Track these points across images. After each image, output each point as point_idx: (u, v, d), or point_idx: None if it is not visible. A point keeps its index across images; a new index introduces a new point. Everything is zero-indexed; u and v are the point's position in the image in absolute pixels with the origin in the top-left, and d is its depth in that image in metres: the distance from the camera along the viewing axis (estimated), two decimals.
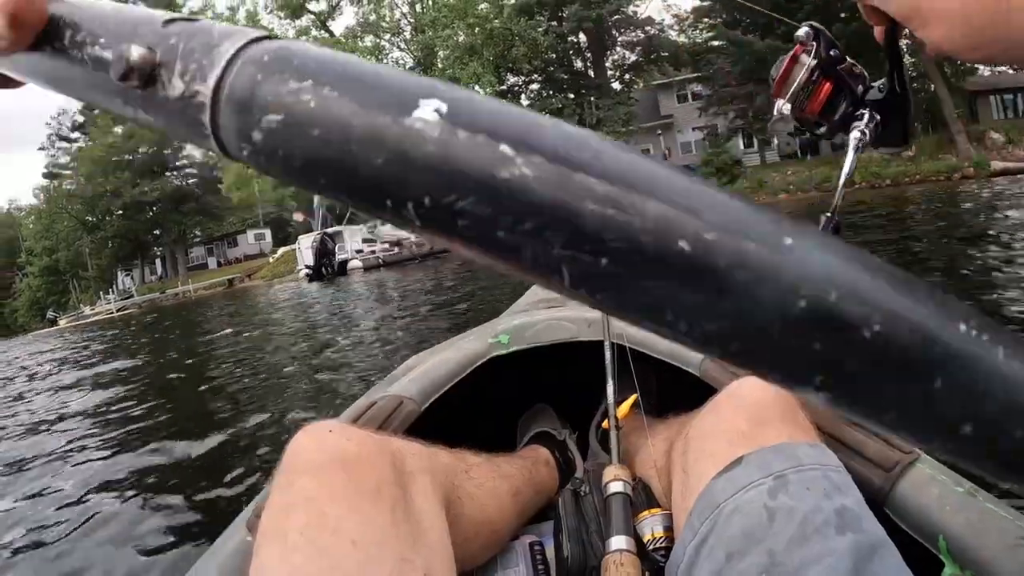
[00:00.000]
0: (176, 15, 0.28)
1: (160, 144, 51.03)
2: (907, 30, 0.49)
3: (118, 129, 51.27)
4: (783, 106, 0.73)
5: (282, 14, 40.09)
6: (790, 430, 0.82)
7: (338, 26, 42.58)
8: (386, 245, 26.87)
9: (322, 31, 40.83)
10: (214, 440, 4.34)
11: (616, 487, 1.03)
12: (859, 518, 0.72)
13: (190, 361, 9.09)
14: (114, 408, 6.37)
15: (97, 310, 47.76)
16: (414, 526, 0.74)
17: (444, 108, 0.20)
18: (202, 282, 46.80)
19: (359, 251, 26.80)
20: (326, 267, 26.07)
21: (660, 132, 40.92)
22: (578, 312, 1.50)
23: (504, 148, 0.20)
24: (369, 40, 40.74)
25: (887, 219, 12.40)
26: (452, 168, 0.20)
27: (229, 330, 12.27)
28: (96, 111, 56.69)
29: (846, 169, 0.73)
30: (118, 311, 43.37)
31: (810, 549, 0.69)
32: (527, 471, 1.19)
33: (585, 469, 1.32)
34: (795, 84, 0.72)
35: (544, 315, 1.52)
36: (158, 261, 59.59)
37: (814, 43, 0.71)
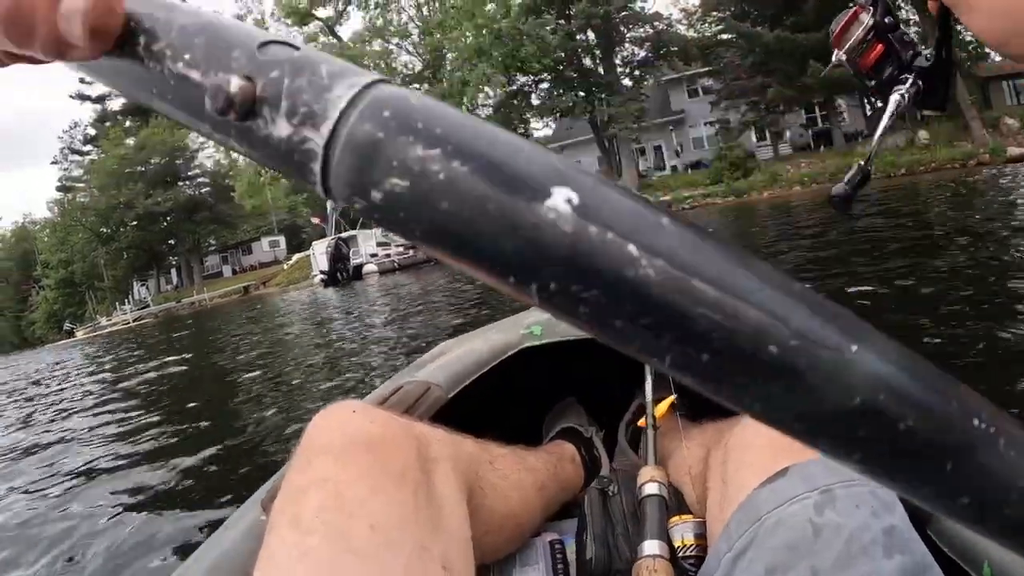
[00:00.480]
0: (271, 38, 0.27)
1: (171, 154, 51.35)
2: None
3: (130, 141, 51.72)
4: (840, 55, 0.79)
5: (289, 21, 40.21)
6: None
7: (345, 31, 42.64)
8: (401, 248, 26.82)
9: (330, 37, 40.89)
10: (232, 444, 4.36)
11: (652, 489, 1.00)
12: (907, 540, 0.69)
13: (208, 368, 9.10)
14: (131, 417, 6.39)
15: (113, 321, 48.06)
16: (435, 512, 0.72)
17: (576, 199, 0.21)
18: (217, 290, 47.02)
19: (374, 255, 26.79)
20: (341, 272, 26.08)
21: (672, 128, 40.74)
22: None
23: (631, 249, 0.21)
24: (377, 44, 40.81)
25: (902, 211, 12.28)
26: (581, 263, 0.21)
27: (246, 337, 12.27)
28: (108, 123, 57.46)
29: (883, 123, 0.77)
30: (134, 321, 43.63)
31: (856, 570, 0.66)
32: (552, 466, 1.17)
33: (613, 468, 1.30)
34: (852, 39, 0.77)
35: None
36: (173, 271, 59.92)
37: (872, 7, 0.77)
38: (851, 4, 0.79)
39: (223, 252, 59.63)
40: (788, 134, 37.23)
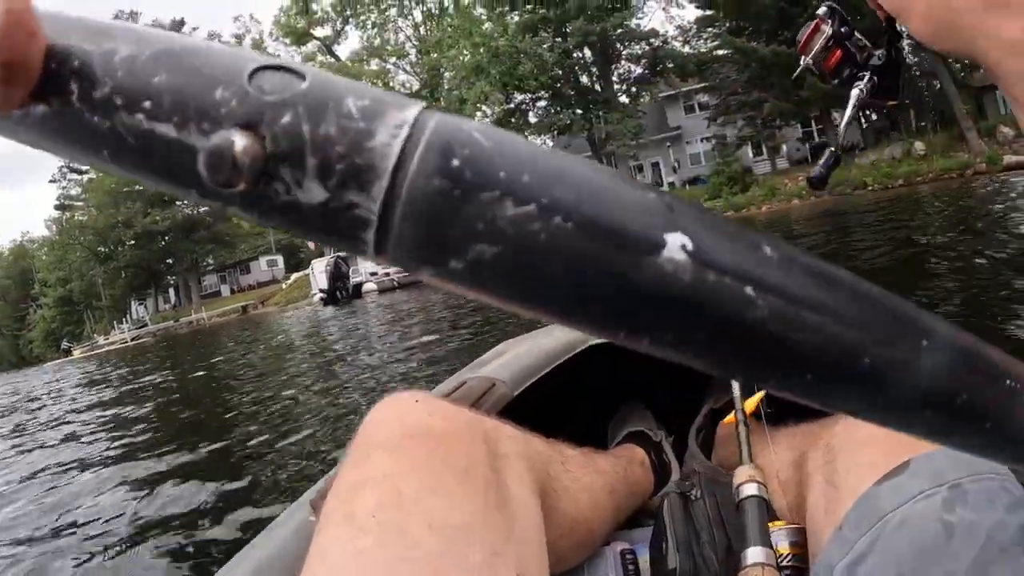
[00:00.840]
0: (262, 62, 0.20)
1: None
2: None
3: None
4: (807, 60, 0.90)
5: (287, 40, 40.44)
6: None
7: (343, 50, 42.84)
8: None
9: (328, 56, 41.10)
10: (241, 469, 4.32)
11: (751, 489, 0.91)
12: None
13: (208, 388, 9.07)
14: (131, 439, 6.39)
15: (111, 340, 48.02)
16: (508, 516, 0.66)
17: (690, 244, 0.20)
18: (216, 310, 47.02)
19: (373, 273, 26.81)
20: (340, 291, 26.08)
21: (669, 144, 40.94)
22: None
23: (748, 291, 0.20)
24: (375, 64, 41.03)
25: (899, 220, 12.39)
26: (700, 311, 0.20)
27: (246, 356, 12.25)
28: None
29: (848, 113, 0.87)
30: (132, 340, 43.59)
31: (998, 573, 0.60)
32: (622, 469, 1.12)
33: (693, 470, 1.20)
34: (815, 47, 0.89)
35: None
36: (171, 290, 59.95)
37: (830, 19, 0.88)
38: (815, 16, 0.91)
39: (221, 271, 59.69)
40: (785, 148, 37.41)
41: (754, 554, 0.82)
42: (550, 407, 1.23)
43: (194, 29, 57.69)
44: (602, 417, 1.47)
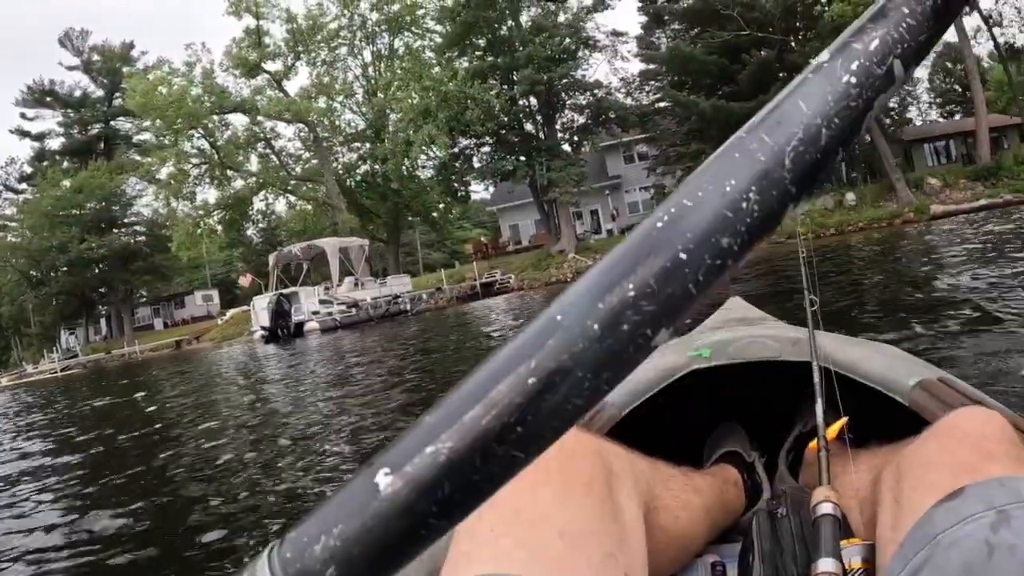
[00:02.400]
0: None
1: (109, 200, 50.32)
2: None
3: (67, 182, 50.44)
4: None
5: (237, 72, 40.30)
6: (1015, 464, 0.79)
7: (293, 86, 42.89)
8: (343, 307, 26.84)
9: (277, 91, 41.13)
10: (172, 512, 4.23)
11: (826, 508, 0.96)
12: None
13: (139, 428, 8.76)
14: (53, 474, 6.23)
15: (40, 369, 46.40)
16: (620, 526, 0.76)
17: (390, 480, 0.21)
18: (149, 343, 45.88)
19: (315, 312, 26.67)
20: (282, 328, 25.89)
21: (608, 192, 42.09)
22: (781, 331, 1.51)
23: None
24: (323, 101, 41.16)
25: (829, 265, 13.23)
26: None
27: (182, 393, 12.08)
28: (46, 162, 56.13)
29: None
30: (62, 371, 42.25)
31: None
32: (718, 489, 1.19)
33: (779, 492, 1.28)
34: None
35: (746, 331, 1.52)
36: (103, 320, 58.05)
37: None
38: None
39: (155, 304, 58.19)
40: None
41: (824, 564, 0.88)
42: (653, 426, 1.32)
43: (143, 53, 57.23)
44: (700, 435, 1.54)
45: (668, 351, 1.45)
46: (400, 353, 12.21)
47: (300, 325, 25.94)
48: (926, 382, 1.21)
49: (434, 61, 38.21)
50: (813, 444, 1.14)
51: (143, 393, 13.30)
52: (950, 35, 33.10)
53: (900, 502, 0.84)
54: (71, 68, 57.26)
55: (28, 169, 59.23)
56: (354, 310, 26.75)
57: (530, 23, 35.77)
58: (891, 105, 36.85)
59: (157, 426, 8.08)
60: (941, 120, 52.96)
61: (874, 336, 5.01)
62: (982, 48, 42.11)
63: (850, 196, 30.28)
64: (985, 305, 5.81)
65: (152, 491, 4.73)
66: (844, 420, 1.13)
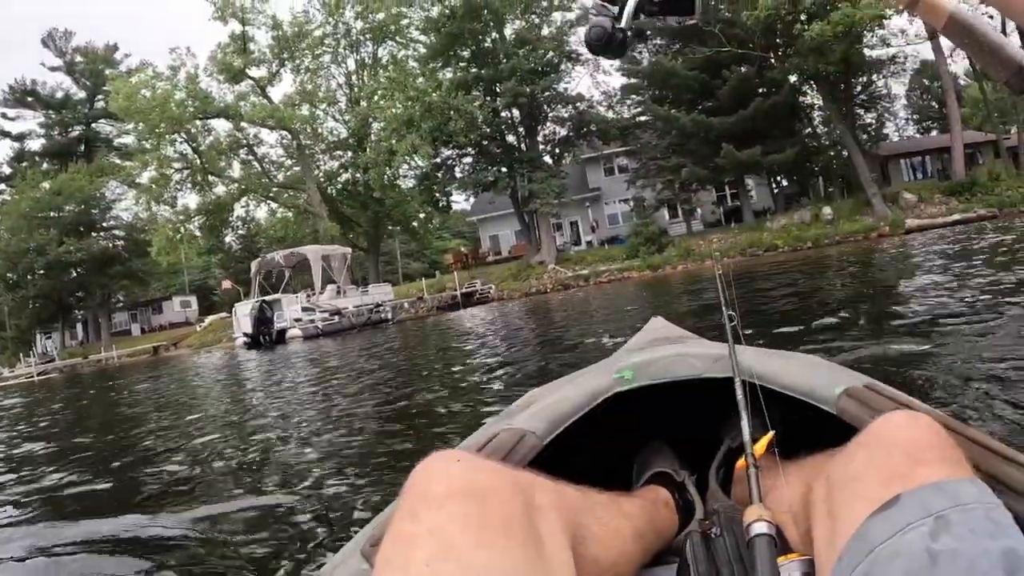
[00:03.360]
0: None
1: (88, 203, 50.00)
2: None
3: (46, 184, 50.03)
4: None
5: (222, 78, 40.30)
6: (947, 467, 0.77)
7: (276, 92, 42.88)
8: (326, 314, 26.94)
9: (261, 97, 41.17)
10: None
11: (760, 528, 0.95)
12: None
13: (121, 433, 8.68)
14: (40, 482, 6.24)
15: (16, 373, 45.94)
16: (544, 564, 0.73)
17: None
18: (126, 349, 45.54)
19: (298, 319, 26.73)
20: (265, 335, 25.93)
21: (588, 204, 42.54)
22: (703, 348, 1.50)
23: None
24: (306, 109, 41.25)
25: (804, 276, 13.54)
26: None
27: (163, 398, 11.97)
28: (25, 163, 55.62)
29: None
30: (39, 375, 41.89)
31: None
32: (648, 512, 1.17)
33: (711, 510, 1.23)
34: None
35: (669, 350, 1.51)
36: (79, 325, 57.52)
37: None
38: None
39: (132, 309, 57.63)
40: (700, 211, 39.27)
41: None
42: (578, 453, 1.30)
43: (127, 56, 56.98)
44: (628, 458, 1.51)
45: (591, 375, 1.48)
46: (380, 362, 12.35)
47: (282, 332, 26.00)
48: (852, 390, 1.21)
49: (418, 71, 38.47)
50: (742, 461, 1.12)
51: (124, 398, 13.22)
52: (927, 53, 33.99)
53: (834, 515, 0.84)
54: (53, 69, 56.98)
55: (7, 170, 58.73)
56: (336, 318, 26.85)
57: (514, 36, 36.19)
58: (868, 120, 37.57)
59: (140, 431, 8.01)
60: (918, 136, 53.92)
61: (813, 349, 5.17)
62: (958, 66, 43.00)
63: (827, 210, 30.83)
64: (927, 315, 6.03)
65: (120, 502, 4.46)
66: (771, 435, 1.14)
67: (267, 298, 27.74)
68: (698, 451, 1.46)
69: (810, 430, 1.22)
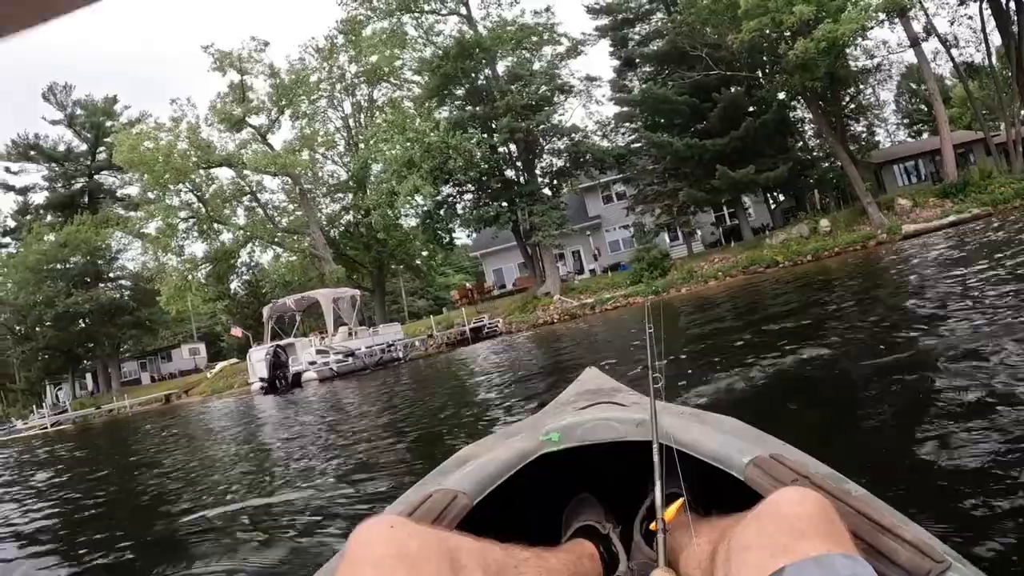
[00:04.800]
0: None
1: (94, 253, 50.51)
2: None
3: (51, 236, 50.52)
4: None
5: (222, 127, 40.97)
6: (827, 542, 0.83)
7: (276, 139, 43.57)
8: (339, 356, 27.33)
9: (262, 144, 41.85)
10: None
11: None
12: None
13: (143, 486, 8.36)
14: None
15: (30, 425, 46.10)
16: None
17: None
18: (138, 398, 45.65)
19: (312, 362, 27.10)
20: (280, 379, 26.25)
21: (589, 232, 43.08)
22: (627, 413, 1.55)
23: None
24: (306, 154, 41.90)
25: (806, 292, 13.91)
26: None
27: (180, 447, 11.54)
28: (29, 216, 56.01)
29: None
30: (52, 427, 42.05)
31: None
32: (572, 565, 1.21)
33: (630, 567, 1.33)
34: None
35: (593, 414, 1.57)
36: (88, 375, 57.64)
37: None
38: None
39: (141, 358, 57.89)
40: (700, 233, 39.73)
41: None
42: (507, 510, 1.37)
43: (126, 107, 57.68)
44: (556, 512, 1.57)
45: (518, 438, 1.53)
46: (399, 402, 12.33)
47: (298, 375, 26.32)
48: (759, 459, 1.28)
49: (414, 112, 39.14)
50: (653, 525, 1.18)
51: (150, 451, 12.93)
52: (911, 57, 34.60)
53: None
54: (55, 122, 57.53)
55: (11, 223, 59.25)
56: (350, 359, 27.19)
57: (507, 72, 36.88)
58: (859, 130, 38.06)
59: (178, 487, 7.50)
60: (910, 140, 54.37)
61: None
62: (943, 68, 43.58)
63: (824, 223, 31.18)
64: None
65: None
66: (680, 501, 1.18)
67: (281, 342, 28.12)
68: (624, 504, 1.53)
69: (725, 490, 1.30)
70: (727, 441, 1.39)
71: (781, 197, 41.02)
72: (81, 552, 5.50)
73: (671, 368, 7.08)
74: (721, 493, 1.27)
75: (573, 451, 1.48)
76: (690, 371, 6.71)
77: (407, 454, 6.31)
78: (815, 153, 37.67)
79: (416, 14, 38.10)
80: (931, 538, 1.05)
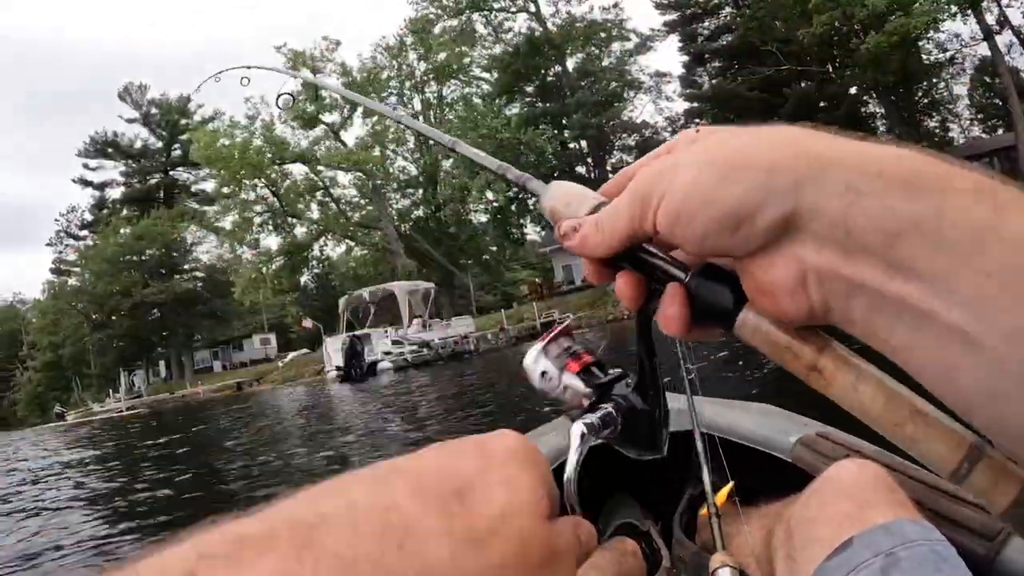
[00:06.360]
0: None
1: (169, 246, 52.25)
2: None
3: (127, 230, 52.37)
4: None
5: (296, 124, 41.89)
6: (893, 509, 0.83)
7: (349, 136, 44.33)
8: (415, 347, 27.81)
9: (335, 141, 42.67)
10: None
11: (725, 573, 1.01)
12: None
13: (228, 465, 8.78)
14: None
15: (106, 408, 47.79)
16: None
17: None
18: (210, 385, 46.98)
19: (387, 352, 27.65)
20: (356, 368, 26.84)
21: None
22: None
23: None
24: (377, 150, 42.59)
25: None
26: None
27: (256, 431, 12.15)
28: (106, 210, 58.07)
29: (571, 461, 0.53)
30: (127, 410, 43.53)
31: None
32: (616, 563, 1.21)
33: (678, 558, 1.31)
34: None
35: None
36: (162, 363, 59.67)
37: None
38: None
39: (213, 347, 59.54)
40: None
41: None
42: None
43: (199, 106, 59.32)
44: (593, 511, 1.53)
45: (553, 433, 1.50)
46: (466, 385, 12.35)
47: (373, 364, 26.89)
48: (806, 439, 1.26)
49: (484, 108, 39.63)
50: (704, 510, 1.16)
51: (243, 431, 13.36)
52: (984, 50, 33.61)
53: (793, 558, 0.88)
54: (131, 121, 59.55)
55: (89, 217, 61.58)
56: (424, 350, 27.66)
57: (576, 68, 36.98)
58: (932, 126, 37.05)
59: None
60: (984, 136, 52.79)
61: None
62: (1018, 61, 42.23)
63: None
64: None
65: None
66: (730, 485, 1.17)
67: (357, 333, 28.78)
68: (661, 501, 1.49)
69: (768, 476, 1.26)
70: (769, 424, 1.38)
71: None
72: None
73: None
74: (763, 481, 1.22)
75: (609, 446, 1.46)
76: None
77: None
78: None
79: (486, 12, 38.47)
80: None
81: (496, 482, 0.28)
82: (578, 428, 0.54)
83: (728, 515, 1.15)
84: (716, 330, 0.41)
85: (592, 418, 0.54)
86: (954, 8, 27.05)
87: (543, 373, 0.55)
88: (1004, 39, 34.16)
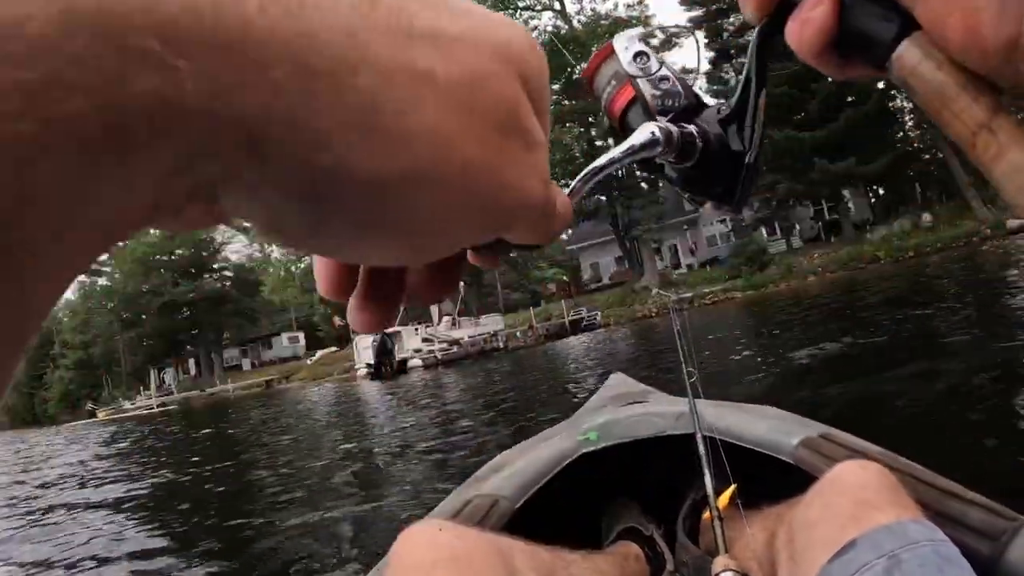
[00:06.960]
0: None
1: (199, 246, 52.85)
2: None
3: (157, 231, 52.84)
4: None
5: None
6: (896, 510, 0.82)
7: None
8: (444, 344, 27.88)
9: None
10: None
11: None
12: None
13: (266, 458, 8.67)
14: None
15: (137, 405, 48.33)
16: None
17: None
18: (239, 382, 47.32)
19: (418, 350, 27.73)
20: (386, 365, 26.95)
21: (686, 227, 42.51)
22: (664, 407, 1.54)
23: None
24: None
25: (908, 291, 13.36)
26: None
27: (288, 429, 12.06)
28: None
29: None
30: (158, 407, 43.91)
31: None
32: (619, 567, 1.21)
33: (681, 562, 1.31)
34: (603, 80, 0.51)
35: (630, 411, 1.55)
36: (191, 361, 60.19)
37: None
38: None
39: (242, 345, 60.00)
40: (798, 227, 38.83)
41: None
42: (548, 513, 1.32)
43: None
44: (596, 515, 1.54)
45: (556, 438, 1.51)
46: (492, 382, 12.22)
47: (403, 362, 26.99)
48: (808, 440, 1.26)
49: None
50: (707, 514, 1.16)
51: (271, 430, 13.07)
52: None
53: (796, 560, 0.88)
54: None
55: None
56: (454, 347, 27.74)
57: None
58: None
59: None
60: None
61: None
62: None
63: (926, 217, 30.21)
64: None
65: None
66: (732, 488, 1.17)
67: (387, 330, 28.79)
68: (663, 505, 1.49)
69: (771, 478, 1.25)
70: (772, 426, 1.37)
71: (882, 191, 39.70)
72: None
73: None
74: (765, 483, 1.21)
75: (611, 451, 1.45)
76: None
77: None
78: (917, 145, 36.29)
79: (510, 11, 38.39)
80: (994, 504, 1.03)
81: None
82: (650, 126, 0.43)
83: (731, 519, 1.15)
84: (861, 66, 0.33)
85: (671, 126, 0.43)
86: None
87: (639, 55, 0.45)
88: None
